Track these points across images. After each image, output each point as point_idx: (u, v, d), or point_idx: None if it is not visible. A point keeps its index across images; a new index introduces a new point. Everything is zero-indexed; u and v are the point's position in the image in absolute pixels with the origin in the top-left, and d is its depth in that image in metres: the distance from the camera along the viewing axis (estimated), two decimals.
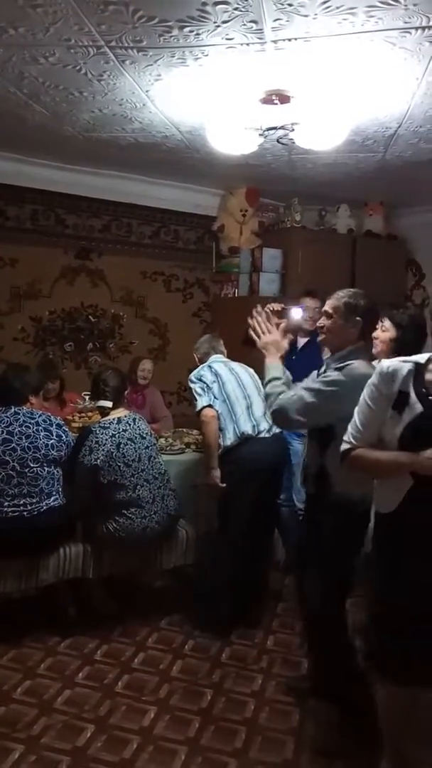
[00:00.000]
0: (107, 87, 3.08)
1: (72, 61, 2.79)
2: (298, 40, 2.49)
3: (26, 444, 2.83)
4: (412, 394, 1.69)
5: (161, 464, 3.18)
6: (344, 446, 1.84)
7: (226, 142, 3.26)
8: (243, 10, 2.27)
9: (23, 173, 4.53)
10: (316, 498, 2.41)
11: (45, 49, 2.69)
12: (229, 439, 3.13)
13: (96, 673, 2.77)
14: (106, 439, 2.98)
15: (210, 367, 3.30)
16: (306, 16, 2.29)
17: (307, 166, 4.30)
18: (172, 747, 2.30)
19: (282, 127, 3.18)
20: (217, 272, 5.37)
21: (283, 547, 3.77)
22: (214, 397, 3.18)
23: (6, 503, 2.80)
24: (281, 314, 3.66)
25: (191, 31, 2.45)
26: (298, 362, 3.24)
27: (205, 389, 3.19)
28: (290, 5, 2.22)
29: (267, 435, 3.16)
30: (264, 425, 3.16)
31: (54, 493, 2.91)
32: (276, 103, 3.01)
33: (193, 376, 3.29)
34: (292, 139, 3.23)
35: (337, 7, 2.23)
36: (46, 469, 2.88)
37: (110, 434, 3.00)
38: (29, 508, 2.83)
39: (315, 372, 2.51)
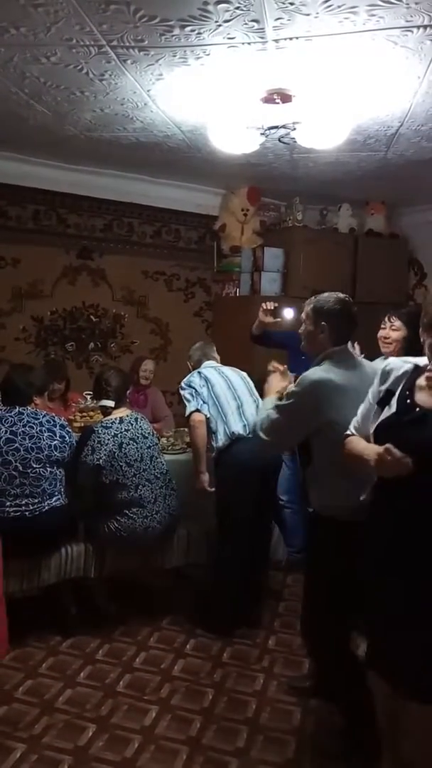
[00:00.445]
0: (109, 86, 3.08)
1: (73, 60, 2.80)
2: (299, 39, 2.49)
3: (29, 444, 2.83)
4: (396, 394, 1.70)
5: (163, 464, 3.18)
6: (345, 434, 1.88)
7: (228, 142, 3.26)
8: (244, 9, 2.27)
9: (25, 173, 4.54)
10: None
11: (46, 49, 2.69)
12: (221, 440, 3.13)
13: (97, 672, 2.77)
14: (109, 439, 2.98)
15: (200, 372, 3.30)
16: (307, 15, 2.29)
17: (308, 165, 4.30)
18: (174, 746, 2.30)
19: (283, 126, 3.18)
20: (219, 272, 5.37)
21: (285, 547, 3.77)
22: (203, 401, 3.18)
23: (8, 503, 2.80)
24: (274, 313, 3.69)
25: (193, 31, 2.45)
26: (306, 363, 3.23)
27: (194, 394, 3.20)
28: (291, 4, 2.22)
29: None
30: None
31: (56, 493, 2.92)
32: (277, 102, 3.01)
33: (183, 382, 3.30)
34: (293, 138, 3.23)
35: (339, 6, 2.23)
36: (48, 469, 2.88)
37: (112, 434, 3.00)
38: (31, 508, 2.83)
39: None
